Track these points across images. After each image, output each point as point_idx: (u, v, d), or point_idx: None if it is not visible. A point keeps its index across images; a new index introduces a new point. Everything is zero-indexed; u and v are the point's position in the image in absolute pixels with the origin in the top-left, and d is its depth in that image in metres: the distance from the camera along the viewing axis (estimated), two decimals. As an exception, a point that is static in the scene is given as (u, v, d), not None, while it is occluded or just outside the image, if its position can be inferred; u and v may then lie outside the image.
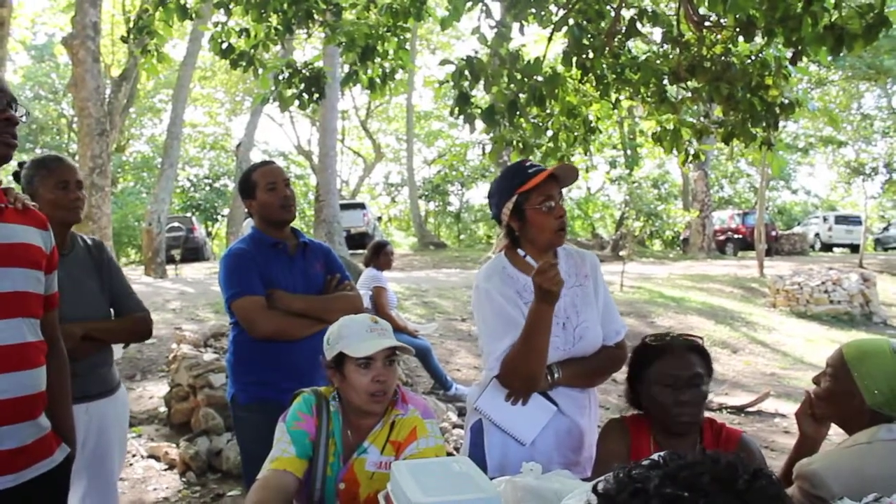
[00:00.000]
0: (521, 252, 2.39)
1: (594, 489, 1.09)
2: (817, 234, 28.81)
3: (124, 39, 5.99)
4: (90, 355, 2.71)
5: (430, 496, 1.61)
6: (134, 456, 5.10)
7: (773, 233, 25.85)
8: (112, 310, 2.89)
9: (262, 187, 3.09)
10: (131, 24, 5.65)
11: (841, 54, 4.02)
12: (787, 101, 5.00)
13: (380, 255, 6.66)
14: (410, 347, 2.34)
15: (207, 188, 36.49)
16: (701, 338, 2.31)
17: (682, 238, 26.74)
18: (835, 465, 1.78)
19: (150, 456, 5.12)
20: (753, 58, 4.95)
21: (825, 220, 29.37)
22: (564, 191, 2.45)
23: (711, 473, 1.02)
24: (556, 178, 2.34)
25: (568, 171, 2.38)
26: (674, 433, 2.18)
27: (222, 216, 34.47)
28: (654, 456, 1.11)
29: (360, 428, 2.24)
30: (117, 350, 3.03)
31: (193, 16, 5.54)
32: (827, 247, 28.36)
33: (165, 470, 4.95)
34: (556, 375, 2.34)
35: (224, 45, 5.59)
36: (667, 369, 2.17)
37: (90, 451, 2.74)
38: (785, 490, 1.06)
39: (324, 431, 2.22)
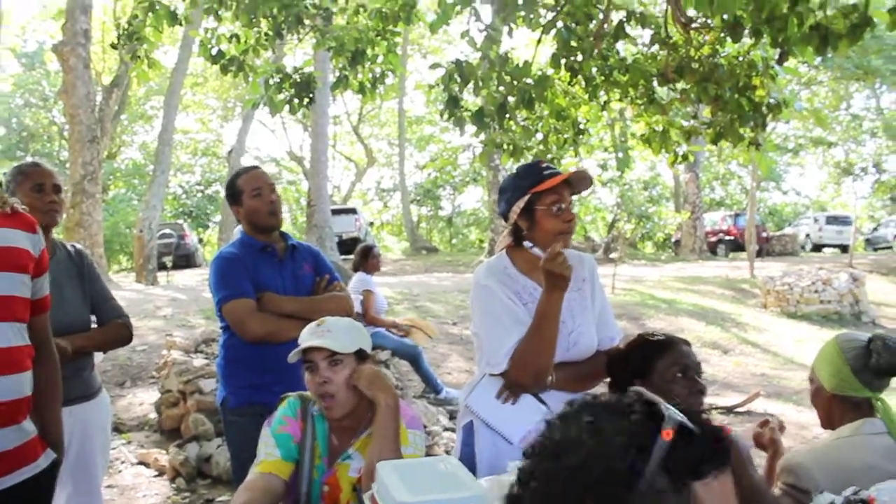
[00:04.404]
0: (527, 244, 2.35)
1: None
2: (808, 235, 28.81)
3: (114, 46, 5.96)
4: (74, 360, 2.70)
5: (415, 495, 1.61)
6: (123, 463, 5.07)
7: (764, 234, 25.90)
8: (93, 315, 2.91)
9: (247, 193, 3.07)
10: (121, 31, 5.64)
11: (826, 54, 4.05)
12: (774, 102, 5.03)
13: (368, 259, 6.67)
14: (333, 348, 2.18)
15: (199, 195, 36.45)
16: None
17: (673, 240, 26.78)
18: (820, 457, 1.80)
19: (140, 462, 5.10)
20: (741, 58, 4.97)
21: (816, 220, 29.36)
22: None
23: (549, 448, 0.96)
24: (568, 182, 2.35)
25: (582, 179, 2.38)
26: None
27: (214, 223, 34.42)
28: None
29: (345, 431, 2.23)
30: (98, 354, 3.04)
31: (183, 21, 5.54)
32: (818, 247, 28.39)
33: (155, 476, 4.93)
34: (549, 379, 2.34)
35: (214, 51, 5.59)
36: (678, 358, 2.17)
37: (74, 455, 2.73)
38: None
39: (309, 435, 2.22)
